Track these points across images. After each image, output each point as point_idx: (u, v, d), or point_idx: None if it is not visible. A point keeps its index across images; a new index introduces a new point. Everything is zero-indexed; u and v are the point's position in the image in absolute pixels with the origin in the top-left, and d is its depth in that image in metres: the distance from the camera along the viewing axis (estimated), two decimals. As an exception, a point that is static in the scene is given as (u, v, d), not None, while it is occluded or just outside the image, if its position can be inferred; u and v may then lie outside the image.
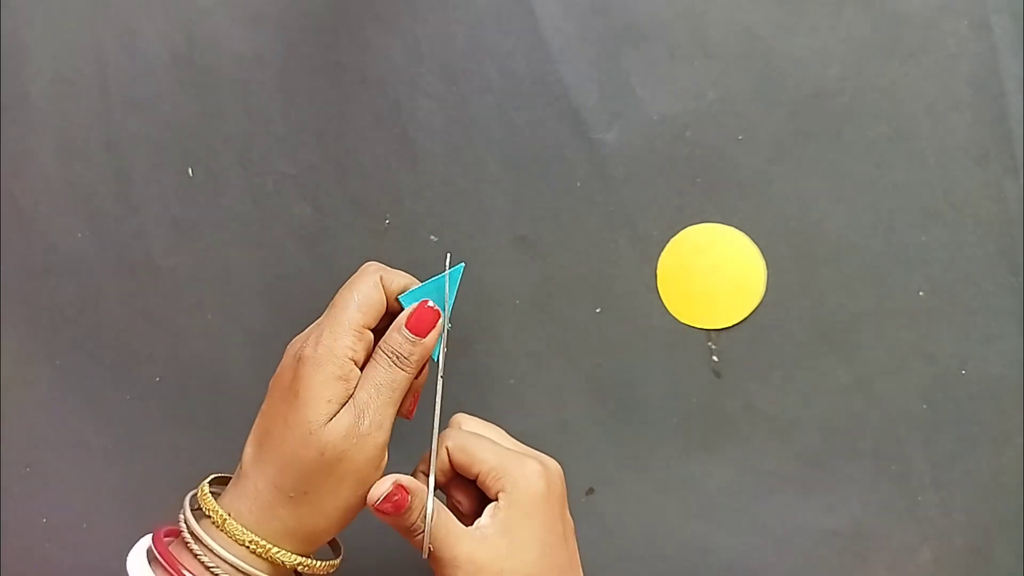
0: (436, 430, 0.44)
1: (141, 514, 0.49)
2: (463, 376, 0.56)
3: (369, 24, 0.54)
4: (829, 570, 0.53)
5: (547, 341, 0.55)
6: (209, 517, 0.41)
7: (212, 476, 0.44)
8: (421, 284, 0.45)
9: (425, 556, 0.41)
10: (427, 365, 0.45)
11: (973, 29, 0.48)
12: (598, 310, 0.54)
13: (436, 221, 0.55)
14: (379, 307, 0.43)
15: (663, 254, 0.53)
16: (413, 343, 0.43)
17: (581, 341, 0.54)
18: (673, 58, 0.51)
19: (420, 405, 0.46)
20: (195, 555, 0.40)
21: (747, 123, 0.51)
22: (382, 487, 0.41)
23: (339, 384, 0.41)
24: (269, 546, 0.41)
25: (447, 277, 0.45)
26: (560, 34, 0.52)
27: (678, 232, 0.53)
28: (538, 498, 0.42)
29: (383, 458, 0.42)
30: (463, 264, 0.46)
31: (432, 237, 0.56)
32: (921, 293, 0.50)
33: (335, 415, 0.41)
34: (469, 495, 0.45)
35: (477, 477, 0.43)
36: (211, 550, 0.40)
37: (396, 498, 0.41)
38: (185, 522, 0.41)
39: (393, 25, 0.54)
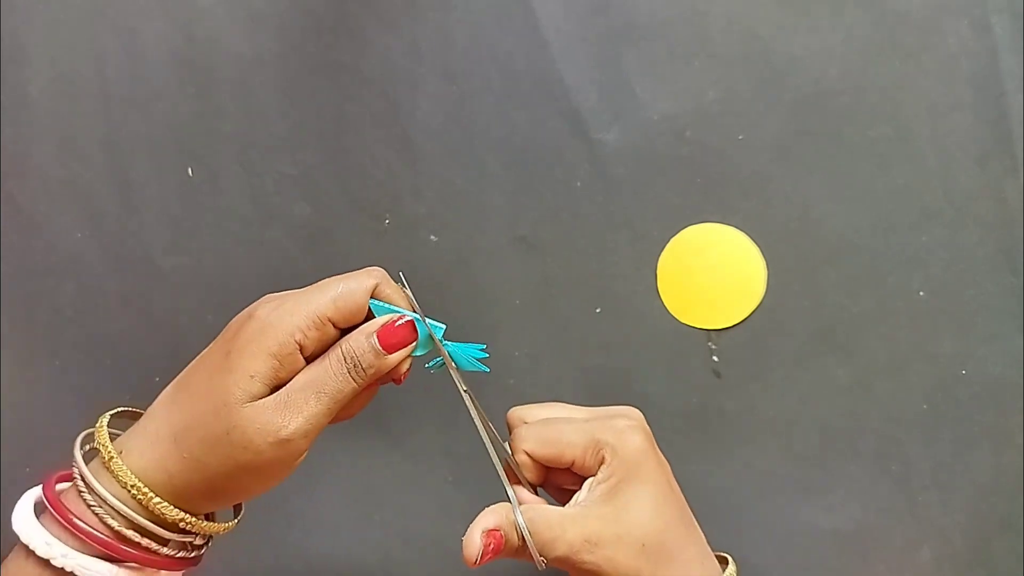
0: (490, 446, 0.40)
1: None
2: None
3: (369, 24, 0.54)
4: (829, 570, 0.52)
5: (547, 341, 0.55)
6: (99, 453, 0.38)
7: (120, 408, 0.40)
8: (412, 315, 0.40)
9: (542, 568, 0.38)
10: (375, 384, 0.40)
11: (973, 29, 0.48)
12: (598, 310, 0.54)
13: (436, 221, 0.55)
14: (355, 309, 0.39)
15: (663, 254, 0.53)
16: (376, 355, 0.38)
17: (581, 341, 0.54)
18: (673, 58, 0.51)
19: (431, 395, 0.42)
20: (79, 493, 0.37)
21: (747, 123, 0.51)
22: (474, 545, 0.37)
23: (269, 361, 0.37)
24: (151, 495, 0.37)
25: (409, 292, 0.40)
26: (560, 34, 0.52)
27: (678, 232, 0.53)
28: (639, 454, 0.40)
29: (298, 460, 0.38)
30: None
31: (432, 237, 0.56)
32: (921, 293, 0.50)
33: (259, 397, 0.37)
34: (573, 474, 0.41)
35: (572, 463, 0.40)
36: (93, 490, 0.37)
37: (491, 546, 0.37)
38: (75, 461, 0.38)
39: (393, 25, 0.54)
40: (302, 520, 0.46)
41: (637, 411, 0.42)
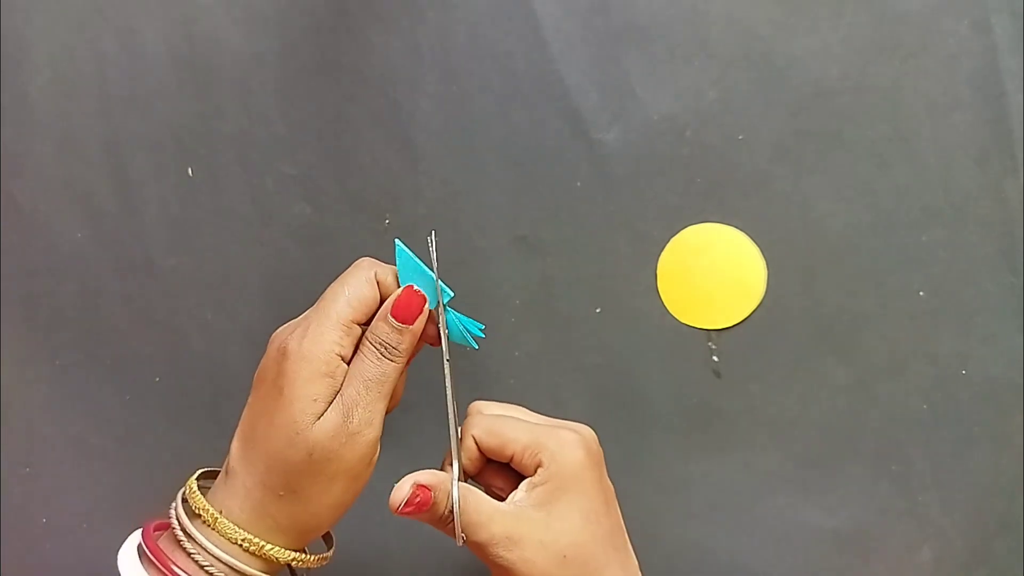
0: (451, 416, 0.42)
1: (141, 514, 0.49)
2: (463, 376, 0.56)
3: (369, 24, 0.54)
4: (829, 570, 0.52)
5: (547, 341, 0.55)
6: (199, 516, 0.41)
7: (200, 471, 0.43)
8: (419, 262, 0.42)
9: (460, 544, 0.40)
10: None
11: (973, 29, 0.48)
12: (598, 310, 0.54)
13: (436, 221, 0.55)
14: (371, 303, 0.41)
15: (663, 254, 0.53)
16: (400, 331, 0.40)
17: (581, 341, 0.54)
18: (673, 58, 0.51)
19: (432, 394, 0.44)
20: (189, 554, 0.40)
21: (747, 123, 0.51)
22: (402, 492, 0.39)
23: (325, 381, 0.39)
24: (262, 543, 0.40)
25: (433, 254, 0.42)
26: (560, 34, 0.52)
27: (678, 232, 0.53)
28: (577, 467, 0.41)
29: (375, 454, 0.41)
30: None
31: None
32: (921, 293, 0.50)
33: (322, 414, 0.39)
34: (506, 479, 0.44)
35: (512, 458, 0.42)
36: (205, 549, 0.39)
37: (418, 499, 0.39)
38: (177, 519, 0.41)
39: (393, 25, 0.54)
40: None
41: (589, 430, 0.44)
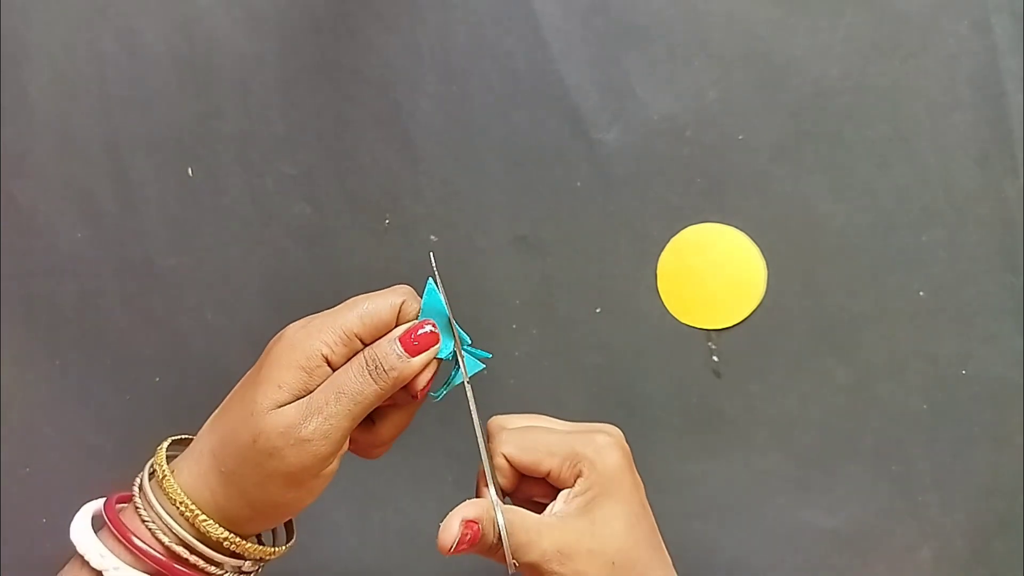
0: (480, 439, 0.41)
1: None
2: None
3: (369, 24, 0.54)
4: (829, 569, 0.53)
5: (547, 341, 0.55)
6: (155, 474, 0.39)
7: (182, 436, 0.42)
8: (443, 303, 0.40)
9: (512, 572, 0.39)
10: (402, 396, 0.41)
11: (973, 29, 0.48)
12: (598, 310, 0.54)
13: (436, 221, 0.55)
14: (382, 326, 0.39)
15: (663, 254, 0.53)
16: (399, 358, 0.39)
17: (581, 341, 0.54)
18: (673, 58, 0.51)
19: (457, 422, 0.43)
20: (136, 509, 0.38)
21: (747, 123, 0.51)
22: (451, 532, 0.37)
23: (297, 373, 0.38)
24: (196, 512, 0.38)
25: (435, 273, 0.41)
26: (560, 34, 0.52)
27: (678, 232, 0.53)
28: (616, 470, 0.40)
29: (324, 468, 0.38)
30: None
31: (432, 237, 0.56)
32: (921, 293, 0.50)
33: (282, 405, 0.38)
34: (544, 486, 0.42)
35: (548, 474, 0.41)
36: (150, 505, 0.38)
37: (469, 536, 0.37)
38: (140, 477, 0.39)
39: (393, 25, 0.54)
40: (302, 520, 0.46)
41: (617, 429, 0.42)
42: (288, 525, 0.44)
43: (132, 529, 0.38)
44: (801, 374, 0.52)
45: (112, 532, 0.38)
